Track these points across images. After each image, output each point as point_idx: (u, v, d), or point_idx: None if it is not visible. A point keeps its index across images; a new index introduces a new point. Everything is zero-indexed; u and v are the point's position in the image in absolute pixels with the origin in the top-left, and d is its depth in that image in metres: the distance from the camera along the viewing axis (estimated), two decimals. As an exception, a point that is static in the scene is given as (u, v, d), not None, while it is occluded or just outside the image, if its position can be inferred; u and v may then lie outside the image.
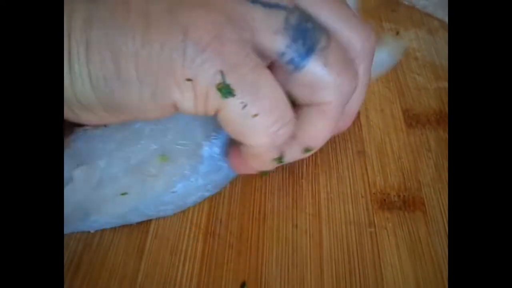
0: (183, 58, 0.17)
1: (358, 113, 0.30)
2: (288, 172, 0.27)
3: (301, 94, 0.21)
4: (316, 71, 0.20)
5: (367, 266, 0.23)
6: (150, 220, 0.25)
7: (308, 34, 0.19)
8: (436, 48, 0.36)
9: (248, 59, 0.18)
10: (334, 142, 0.29)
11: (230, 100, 0.18)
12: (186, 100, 0.19)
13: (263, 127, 0.19)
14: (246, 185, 0.27)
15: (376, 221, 0.25)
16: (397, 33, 0.37)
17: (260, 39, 0.19)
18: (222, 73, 0.18)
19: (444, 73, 0.34)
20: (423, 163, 0.28)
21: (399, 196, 0.26)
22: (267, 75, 0.19)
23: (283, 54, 0.19)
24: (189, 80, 0.18)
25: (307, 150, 0.23)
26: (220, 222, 0.25)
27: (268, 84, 0.19)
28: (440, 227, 0.25)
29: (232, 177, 0.26)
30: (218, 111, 0.19)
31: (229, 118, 0.19)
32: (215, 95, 0.18)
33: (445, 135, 0.29)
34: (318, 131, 0.22)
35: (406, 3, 0.40)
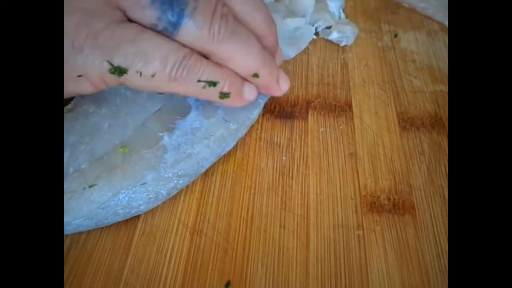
0: (68, 59, 0.20)
1: (352, 113, 0.30)
2: (278, 173, 0.27)
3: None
4: (190, 34, 0.21)
5: (353, 269, 0.23)
6: (138, 217, 0.25)
7: (174, 2, 0.21)
8: (435, 51, 0.35)
9: (125, 35, 0.20)
10: (326, 144, 0.29)
11: (127, 76, 0.21)
12: (85, 88, 0.22)
13: (165, 78, 0.21)
14: (236, 184, 0.27)
15: (364, 224, 0.25)
16: (395, 35, 0.36)
17: (132, 15, 0.21)
18: (108, 61, 0.20)
19: (442, 76, 0.33)
20: (416, 167, 0.27)
21: (389, 199, 0.26)
22: (149, 38, 0.21)
23: (155, 25, 0.21)
24: (80, 76, 0.21)
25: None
26: (208, 221, 0.25)
27: (152, 45, 0.21)
28: (429, 232, 0.24)
29: (207, 166, 0.26)
30: (123, 83, 0.22)
31: (137, 85, 0.22)
32: (111, 78, 0.21)
33: (439, 139, 0.29)
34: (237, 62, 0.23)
35: (406, 5, 0.39)
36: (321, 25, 0.36)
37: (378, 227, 0.25)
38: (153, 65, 0.21)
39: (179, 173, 0.25)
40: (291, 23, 0.35)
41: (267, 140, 0.29)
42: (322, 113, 0.31)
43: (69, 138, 0.24)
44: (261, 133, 0.29)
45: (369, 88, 0.32)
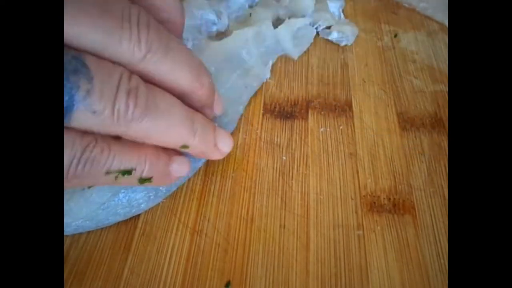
0: None
1: (352, 113, 0.30)
2: (278, 173, 0.27)
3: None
4: (87, 121, 0.17)
5: (354, 269, 0.23)
6: (138, 217, 0.25)
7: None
8: (435, 51, 0.35)
9: None
10: (326, 144, 0.29)
11: None
12: None
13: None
14: (236, 184, 0.27)
15: (364, 224, 0.25)
16: (395, 35, 0.36)
17: None
18: None
19: (442, 77, 0.33)
20: (416, 167, 0.27)
21: (389, 199, 0.26)
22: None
23: None
24: None
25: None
26: (208, 221, 0.25)
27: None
28: (429, 232, 0.24)
29: (204, 159, 0.26)
30: None
31: None
32: None
33: (439, 139, 0.29)
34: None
35: (406, 5, 0.39)
36: (321, 25, 0.36)
37: (378, 227, 0.25)
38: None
39: None
40: (295, 23, 0.35)
41: (267, 140, 0.29)
42: (322, 113, 0.31)
43: None
44: (261, 133, 0.29)
45: (369, 88, 0.32)
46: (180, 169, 0.22)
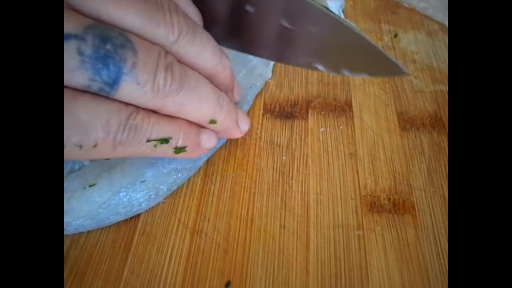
0: None
1: (352, 113, 0.30)
2: (278, 173, 0.27)
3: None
4: (132, 93, 0.19)
5: (353, 269, 0.23)
6: (138, 217, 0.25)
7: (110, 59, 0.18)
8: (435, 51, 0.35)
9: None
10: (326, 144, 0.29)
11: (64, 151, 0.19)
12: None
13: (109, 145, 0.19)
14: (236, 184, 0.27)
15: (364, 224, 0.25)
16: (395, 35, 0.36)
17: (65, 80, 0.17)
18: None
19: (442, 76, 0.33)
20: (416, 167, 0.27)
21: (389, 199, 0.26)
22: (84, 103, 0.18)
23: (89, 86, 0.18)
24: None
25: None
26: (208, 221, 0.25)
27: (89, 112, 0.18)
28: (429, 232, 0.24)
29: (204, 158, 0.27)
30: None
31: (76, 158, 0.19)
32: None
33: (439, 139, 0.29)
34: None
35: (406, 5, 0.39)
36: (321, 25, 0.36)
37: (378, 227, 0.25)
38: (93, 135, 0.18)
39: (177, 167, 0.25)
40: None
41: (267, 140, 0.29)
42: (322, 113, 0.31)
43: None
44: (261, 133, 0.29)
45: (369, 88, 0.32)
46: (209, 140, 0.23)
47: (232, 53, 0.31)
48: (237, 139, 0.29)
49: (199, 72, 0.22)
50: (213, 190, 0.26)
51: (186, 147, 0.22)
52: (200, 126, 0.23)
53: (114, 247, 0.24)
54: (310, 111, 0.31)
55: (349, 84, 0.33)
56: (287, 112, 0.31)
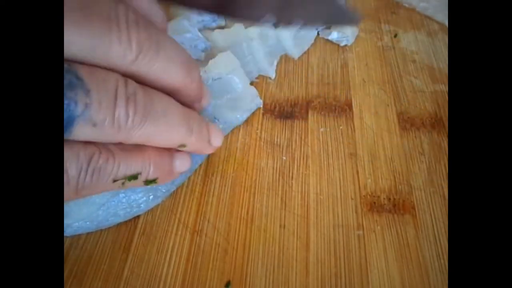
0: None
1: (352, 113, 0.30)
2: (278, 173, 0.27)
3: None
4: (89, 133, 0.17)
5: (354, 269, 0.23)
6: (138, 217, 0.25)
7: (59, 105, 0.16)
8: (435, 51, 0.35)
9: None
10: (326, 144, 0.29)
11: None
12: None
13: (71, 190, 0.18)
14: (236, 184, 0.27)
15: (364, 224, 0.25)
16: (395, 35, 0.36)
17: None
18: None
19: (442, 76, 0.33)
20: (416, 167, 0.27)
21: (389, 199, 0.26)
22: None
23: None
24: None
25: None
26: (208, 221, 0.25)
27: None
28: (429, 232, 0.24)
29: (200, 161, 0.27)
30: None
31: None
32: None
33: (439, 139, 0.29)
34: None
35: (406, 5, 0.39)
36: (321, 25, 0.36)
37: (378, 227, 0.25)
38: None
39: None
40: None
41: (267, 140, 0.29)
42: (322, 113, 0.31)
43: None
44: (261, 133, 0.29)
45: (369, 88, 0.32)
46: (182, 164, 0.23)
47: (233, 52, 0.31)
48: (237, 139, 0.29)
49: (164, 88, 0.20)
50: (213, 190, 0.26)
51: (157, 178, 0.21)
52: (171, 150, 0.22)
53: (114, 247, 0.24)
54: (310, 111, 0.31)
55: (349, 84, 0.33)
56: (287, 112, 0.31)
